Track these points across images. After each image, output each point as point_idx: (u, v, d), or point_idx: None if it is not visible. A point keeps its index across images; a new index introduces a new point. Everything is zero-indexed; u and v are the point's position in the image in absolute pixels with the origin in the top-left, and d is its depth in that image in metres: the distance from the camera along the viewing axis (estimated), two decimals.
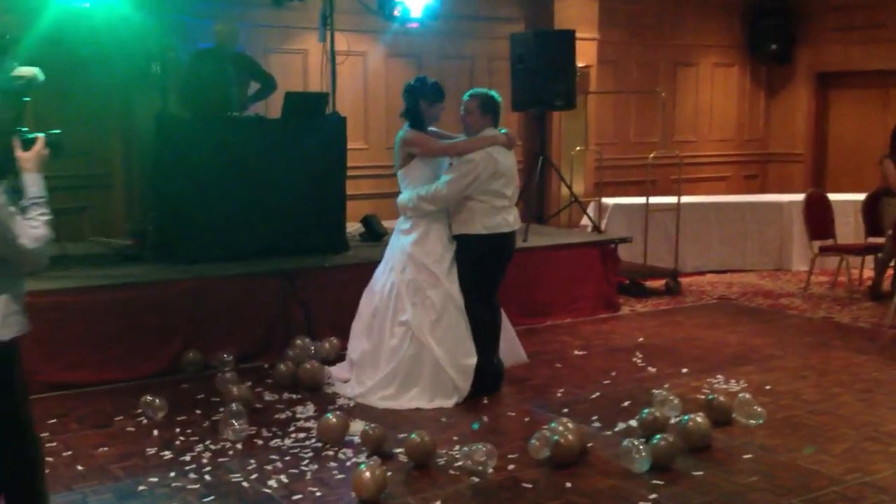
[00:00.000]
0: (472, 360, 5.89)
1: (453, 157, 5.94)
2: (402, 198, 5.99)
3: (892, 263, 8.86)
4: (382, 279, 6.02)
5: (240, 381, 5.98)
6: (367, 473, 4.37)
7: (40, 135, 3.42)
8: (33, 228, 3.37)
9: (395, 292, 5.89)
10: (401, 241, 5.98)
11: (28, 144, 3.38)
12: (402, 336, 5.86)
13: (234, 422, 5.19)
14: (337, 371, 6.29)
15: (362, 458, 4.87)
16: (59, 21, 7.80)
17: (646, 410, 5.32)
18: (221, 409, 5.50)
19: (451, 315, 5.87)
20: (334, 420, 5.17)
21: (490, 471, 4.72)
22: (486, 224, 5.91)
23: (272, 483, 4.59)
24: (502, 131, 6.01)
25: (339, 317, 6.79)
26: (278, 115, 7.76)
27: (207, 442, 5.13)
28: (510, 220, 6.01)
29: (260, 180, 7.36)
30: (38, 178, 3.43)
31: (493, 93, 6.04)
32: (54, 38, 8.01)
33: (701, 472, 4.74)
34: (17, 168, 3.38)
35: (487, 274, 6.02)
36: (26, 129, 3.45)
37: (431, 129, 6.09)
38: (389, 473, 4.54)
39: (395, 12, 8.67)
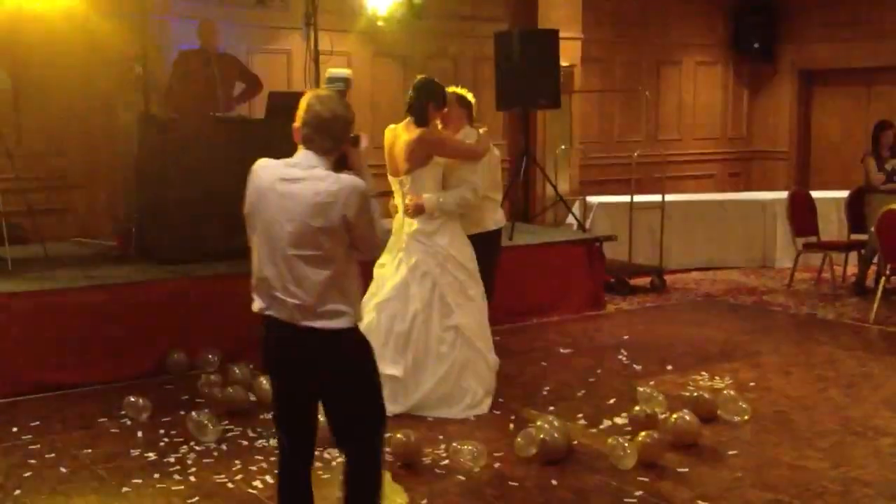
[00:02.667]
0: (497, 359, 5.90)
1: (475, 158, 5.81)
2: (431, 197, 5.59)
3: (875, 260, 8.90)
4: (399, 286, 5.62)
5: (223, 382, 5.94)
6: None
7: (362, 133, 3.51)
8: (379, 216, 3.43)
9: (437, 296, 5.60)
10: (432, 243, 5.62)
11: (354, 142, 3.45)
12: (453, 341, 5.62)
13: (207, 424, 5.17)
14: None
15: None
16: (42, 21, 7.77)
17: (637, 408, 5.33)
18: (207, 411, 5.48)
19: (485, 312, 5.80)
20: (320, 420, 5.14)
21: (477, 469, 4.72)
22: (495, 219, 6.05)
23: (257, 484, 4.58)
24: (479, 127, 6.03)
25: None
26: (262, 115, 7.74)
27: (192, 443, 5.11)
28: (503, 213, 6.19)
29: (244, 180, 7.31)
30: (369, 173, 3.46)
31: (464, 91, 6.06)
32: (36, 38, 7.99)
33: (687, 469, 4.75)
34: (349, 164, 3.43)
35: (492, 272, 5.99)
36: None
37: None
38: None
39: (379, 12, 8.66)
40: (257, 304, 3.45)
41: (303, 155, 3.36)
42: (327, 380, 3.39)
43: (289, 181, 3.30)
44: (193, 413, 5.28)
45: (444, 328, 5.60)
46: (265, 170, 3.39)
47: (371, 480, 3.53)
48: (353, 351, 3.41)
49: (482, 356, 5.72)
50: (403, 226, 5.69)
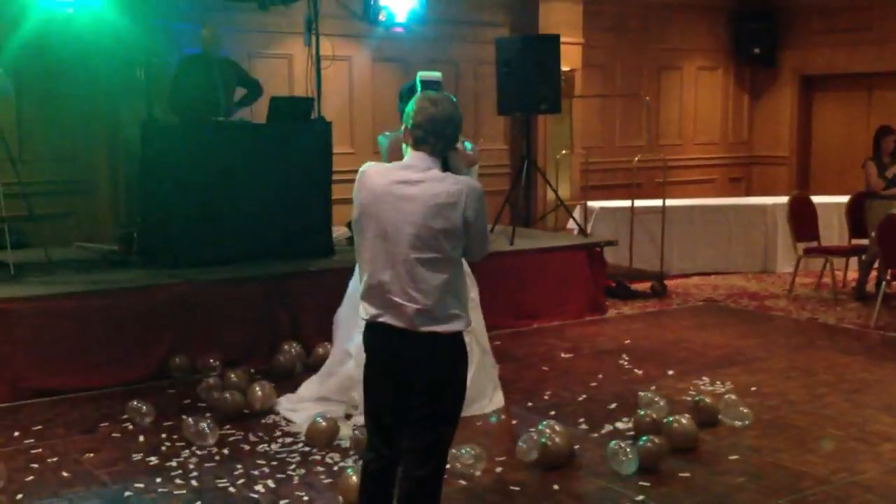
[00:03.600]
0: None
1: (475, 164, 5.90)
2: None
3: (875, 265, 8.90)
4: None
5: (223, 386, 5.95)
6: (355, 477, 4.35)
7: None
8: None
9: None
10: None
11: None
12: (469, 345, 5.66)
13: (205, 427, 5.17)
14: (286, 401, 5.82)
15: (350, 461, 4.87)
16: (44, 27, 7.79)
17: (642, 412, 5.33)
18: (208, 415, 5.49)
19: (482, 315, 5.85)
20: (323, 424, 5.16)
21: (478, 473, 4.72)
22: None
23: (259, 488, 4.58)
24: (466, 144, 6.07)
25: (326, 321, 6.77)
26: (264, 120, 7.76)
27: (194, 447, 5.11)
28: None
29: (246, 185, 7.35)
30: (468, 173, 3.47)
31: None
32: (38, 43, 8.01)
33: (688, 474, 4.75)
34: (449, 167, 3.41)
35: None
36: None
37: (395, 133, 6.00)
38: None
39: (380, 17, 8.68)
40: (369, 311, 3.37)
41: (416, 157, 3.33)
42: (436, 383, 3.34)
43: (407, 183, 3.27)
44: (190, 419, 5.28)
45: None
46: (378, 173, 3.35)
47: (435, 492, 3.44)
48: (461, 355, 3.43)
49: (488, 354, 5.84)
50: None
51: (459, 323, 3.34)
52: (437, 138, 3.31)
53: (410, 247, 3.24)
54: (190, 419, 5.27)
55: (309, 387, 5.85)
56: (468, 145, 5.97)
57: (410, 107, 3.36)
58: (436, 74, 3.36)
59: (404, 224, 3.24)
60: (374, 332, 3.39)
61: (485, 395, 5.76)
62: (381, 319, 3.33)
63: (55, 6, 7.20)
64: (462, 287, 3.40)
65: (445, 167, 3.37)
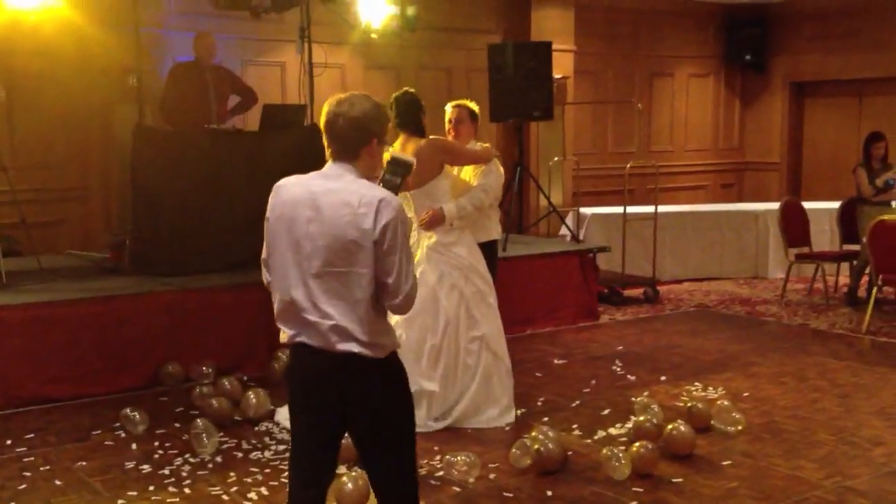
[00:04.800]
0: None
1: (485, 162, 5.89)
2: (450, 206, 5.56)
3: (867, 270, 8.93)
4: (426, 300, 5.44)
5: (216, 394, 5.94)
6: (350, 486, 4.36)
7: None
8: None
9: (463, 308, 5.60)
10: (453, 254, 5.61)
11: (407, 170, 3.19)
12: (478, 351, 5.65)
13: (204, 437, 5.16)
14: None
15: (342, 468, 4.86)
16: (35, 34, 7.78)
17: (641, 417, 5.34)
18: (201, 423, 5.48)
19: (499, 320, 5.83)
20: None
21: (472, 480, 4.72)
22: (496, 229, 6.19)
23: (252, 496, 4.58)
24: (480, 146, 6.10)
25: None
26: (256, 127, 7.76)
27: (187, 455, 5.11)
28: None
29: (238, 192, 7.35)
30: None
31: (473, 104, 6.14)
32: (30, 51, 8.00)
33: (681, 479, 4.76)
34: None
35: (493, 279, 6.03)
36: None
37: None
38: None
39: (373, 24, 8.68)
40: (286, 333, 3.14)
41: (329, 165, 3.13)
42: (363, 412, 3.09)
43: (319, 193, 3.05)
44: (199, 421, 5.27)
45: (471, 339, 5.64)
46: (295, 184, 3.14)
47: None
48: (391, 380, 3.13)
49: (503, 362, 5.77)
50: (420, 240, 5.64)
51: (380, 350, 3.05)
52: (331, 140, 3.09)
53: (323, 260, 3.01)
54: (199, 421, 5.26)
55: None
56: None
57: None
58: (406, 159, 3.16)
59: (317, 235, 3.02)
60: (295, 355, 3.15)
61: (495, 405, 5.66)
62: (298, 339, 3.10)
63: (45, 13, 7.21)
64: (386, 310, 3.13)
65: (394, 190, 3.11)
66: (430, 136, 5.62)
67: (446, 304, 5.55)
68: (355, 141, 3.09)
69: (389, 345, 3.12)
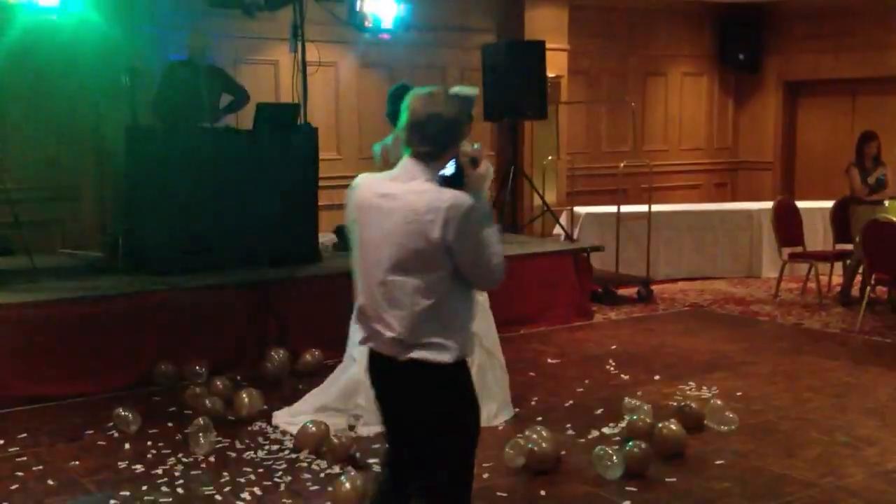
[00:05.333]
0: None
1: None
2: None
3: (860, 270, 8.95)
4: None
5: (210, 393, 5.93)
6: (348, 485, 4.35)
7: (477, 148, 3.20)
8: (498, 244, 3.09)
9: None
10: None
11: (474, 163, 3.14)
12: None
13: (201, 436, 5.15)
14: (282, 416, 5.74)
15: (336, 468, 4.85)
16: (28, 32, 7.76)
17: (635, 416, 5.34)
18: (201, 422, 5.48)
19: (491, 317, 5.82)
20: (313, 429, 5.14)
21: None
22: None
23: (245, 496, 4.56)
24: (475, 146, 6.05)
25: (313, 327, 6.79)
26: (250, 126, 7.75)
27: (180, 455, 5.09)
28: None
29: (232, 192, 7.34)
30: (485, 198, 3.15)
31: None
32: (23, 49, 7.98)
33: (674, 479, 4.76)
34: (468, 184, 3.09)
35: None
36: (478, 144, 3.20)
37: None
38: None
39: (366, 23, 8.67)
40: (360, 335, 3.17)
41: (404, 165, 3.05)
42: (424, 418, 3.10)
43: (387, 197, 2.98)
44: (200, 419, 5.26)
45: None
46: (364, 187, 3.09)
47: None
48: (454, 389, 3.10)
49: (496, 359, 5.76)
50: None
51: (444, 353, 3.00)
52: (422, 140, 3.00)
53: (387, 269, 2.98)
54: (201, 419, 5.25)
55: (308, 399, 5.76)
56: (477, 146, 5.96)
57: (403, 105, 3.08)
58: (471, 90, 3.07)
59: (382, 243, 2.98)
60: (369, 357, 3.20)
61: (492, 401, 5.61)
62: (369, 344, 3.14)
63: (40, 12, 7.17)
64: (454, 316, 3.05)
65: (459, 186, 3.03)
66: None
67: None
68: (445, 143, 3.03)
69: (457, 348, 3.05)
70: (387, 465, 3.36)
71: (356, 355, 5.44)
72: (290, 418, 5.62)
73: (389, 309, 3.00)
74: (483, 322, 5.68)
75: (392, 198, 2.99)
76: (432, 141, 3.00)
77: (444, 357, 3.01)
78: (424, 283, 2.96)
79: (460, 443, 3.16)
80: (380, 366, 3.13)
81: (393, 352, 3.03)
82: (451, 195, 2.94)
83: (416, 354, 2.99)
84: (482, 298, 5.70)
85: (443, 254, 2.94)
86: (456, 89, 3.16)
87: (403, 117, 3.06)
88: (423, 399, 3.08)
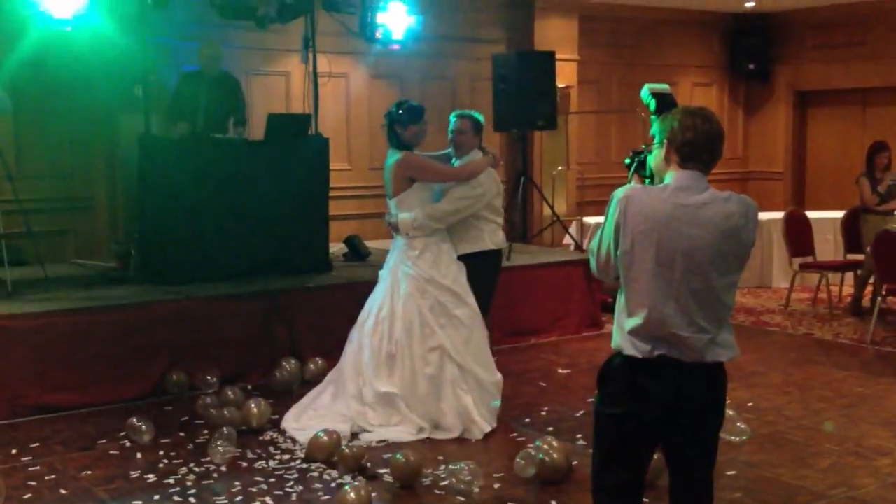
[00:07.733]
0: (500, 376, 5.85)
1: (458, 180, 5.85)
2: (405, 216, 5.70)
3: (871, 280, 8.93)
4: (389, 308, 5.67)
5: (221, 404, 5.94)
6: (353, 494, 4.36)
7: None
8: None
9: (418, 319, 5.62)
10: (413, 266, 5.69)
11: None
12: (438, 362, 5.62)
13: (219, 444, 5.17)
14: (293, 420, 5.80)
15: (347, 478, 4.87)
16: (42, 44, 7.81)
17: None
18: (206, 432, 5.50)
19: (478, 331, 5.78)
20: (325, 438, 5.15)
21: (476, 490, 4.72)
22: (494, 240, 6.04)
23: None
24: (488, 150, 6.08)
25: (324, 337, 6.80)
26: (261, 136, 7.78)
27: (192, 464, 5.11)
28: (503, 236, 6.19)
29: (243, 201, 7.37)
30: None
31: (479, 114, 6.12)
32: (36, 61, 8.03)
33: None
34: None
35: (489, 291, 6.02)
36: None
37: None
38: (374, 494, 4.54)
39: (377, 34, 8.70)
40: (640, 348, 3.10)
41: (689, 176, 3.11)
42: (708, 411, 3.20)
43: (693, 207, 3.05)
44: (225, 429, 5.29)
45: (428, 350, 5.63)
46: (654, 198, 3.11)
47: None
48: (726, 380, 3.28)
49: (471, 374, 5.67)
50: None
51: (735, 348, 3.22)
52: (711, 156, 3.12)
53: (704, 275, 3.05)
54: (225, 429, 5.29)
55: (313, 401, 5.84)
56: (489, 150, 6.06)
57: (673, 122, 3.14)
58: (664, 87, 3.25)
59: (695, 251, 3.03)
60: (648, 369, 3.11)
61: (465, 416, 5.62)
62: (657, 353, 3.09)
63: (54, 24, 7.22)
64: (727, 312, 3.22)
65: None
66: (403, 152, 5.77)
67: (401, 314, 5.64)
68: (719, 156, 3.17)
69: (737, 349, 3.24)
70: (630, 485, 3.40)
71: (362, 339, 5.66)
72: (298, 424, 5.67)
73: (703, 312, 3.09)
74: (454, 337, 5.67)
75: (700, 206, 3.07)
76: (718, 156, 3.16)
77: (736, 351, 3.22)
78: (731, 284, 3.14)
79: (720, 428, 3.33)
80: (676, 372, 3.11)
81: (701, 356, 3.10)
82: (748, 199, 3.14)
83: (722, 355, 3.16)
84: (459, 312, 5.69)
85: (748, 253, 3.15)
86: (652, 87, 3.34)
87: (680, 133, 3.12)
88: (712, 395, 3.19)
